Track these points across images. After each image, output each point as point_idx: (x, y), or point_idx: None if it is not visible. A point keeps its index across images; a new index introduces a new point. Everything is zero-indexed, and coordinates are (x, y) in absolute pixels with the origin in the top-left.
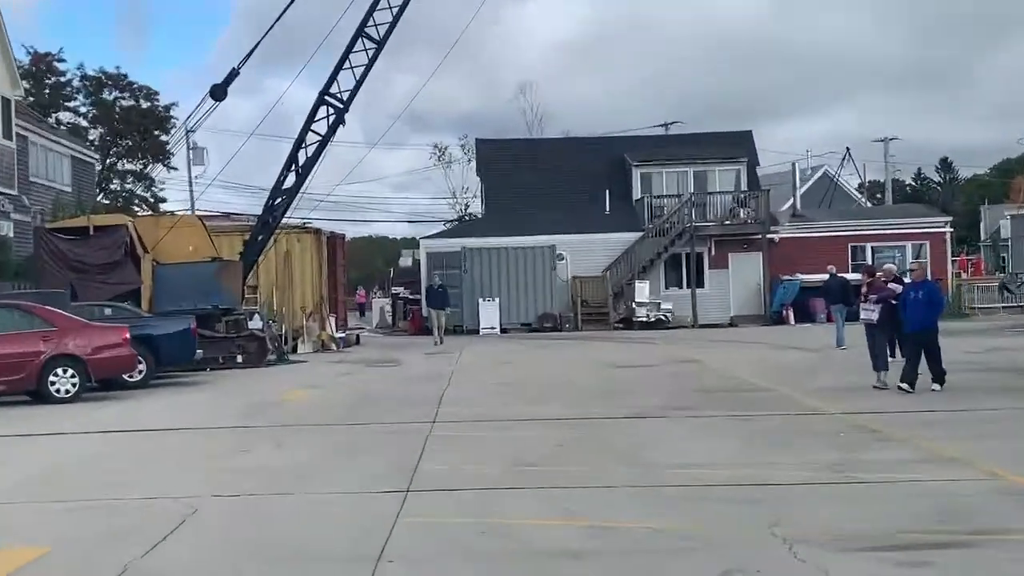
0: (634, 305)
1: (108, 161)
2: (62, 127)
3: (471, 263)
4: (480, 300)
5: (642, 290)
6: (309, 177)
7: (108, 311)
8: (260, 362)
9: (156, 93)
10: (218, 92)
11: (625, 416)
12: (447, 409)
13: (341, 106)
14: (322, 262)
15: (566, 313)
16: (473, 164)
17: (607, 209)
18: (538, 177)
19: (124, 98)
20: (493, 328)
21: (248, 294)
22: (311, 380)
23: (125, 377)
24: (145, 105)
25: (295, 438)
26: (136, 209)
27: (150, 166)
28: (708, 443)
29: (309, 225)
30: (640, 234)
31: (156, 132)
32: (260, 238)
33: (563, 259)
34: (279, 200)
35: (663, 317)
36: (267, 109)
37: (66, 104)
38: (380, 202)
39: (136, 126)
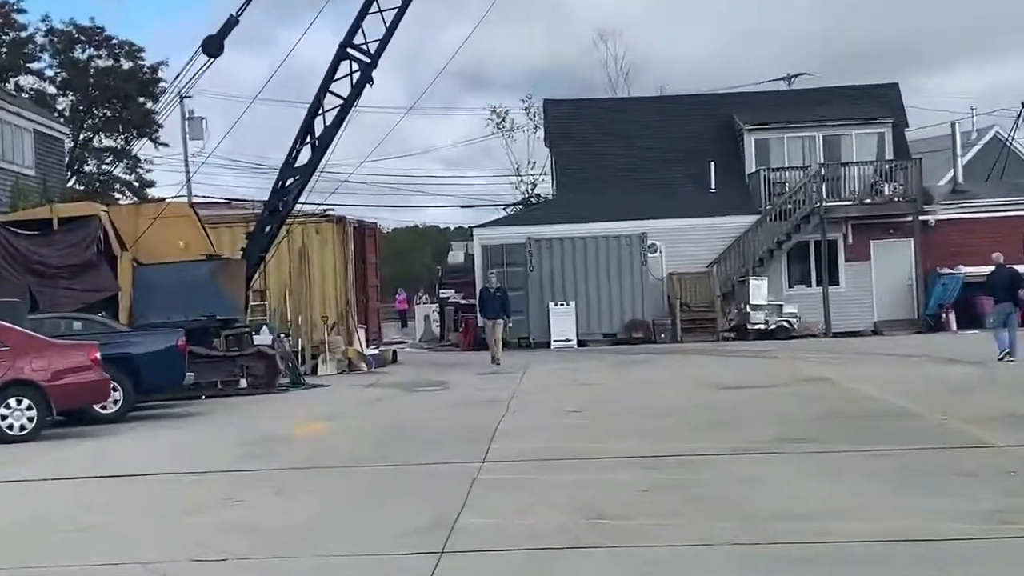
0: (748, 309)
1: (81, 136)
2: (23, 94)
3: (539, 258)
4: (551, 305)
5: (758, 289)
6: (328, 151)
7: (77, 324)
8: (270, 387)
9: (140, 50)
10: (212, 46)
11: (727, 452)
12: (501, 445)
13: (367, 61)
14: (347, 259)
15: (661, 320)
16: (541, 132)
17: (712, 186)
18: (624, 147)
19: (100, 57)
20: (568, 340)
21: (254, 301)
22: (332, 409)
23: (97, 408)
24: (127, 65)
25: (304, 484)
26: (117, 196)
27: (133, 141)
28: (834, 487)
29: (330, 212)
30: (755, 217)
31: (141, 99)
32: (268, 229)
33: (656, 251)
34: (291, 181)
35: (786, 324)
36: (281, 66)
37: (28, 66)
38: (427, 182)
39: (116, 92)
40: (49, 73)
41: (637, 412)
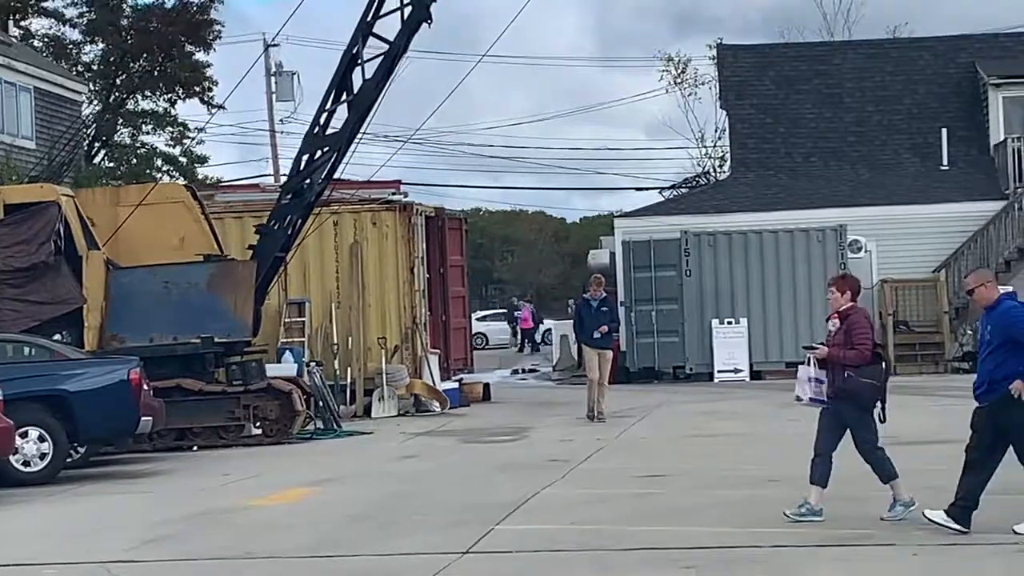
0: None
1: (113, 98)
2: (33, 42)
3: (697, 258)
4: (714, 323)
5: None
6: (370, 114)
7: (29, 350)
8: (283, 434)
9: None
10: None
11: (817, 543)
12: (510, 527)
13: None
14: (414, 260)
15: None
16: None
17: (943, 161)
18: (824, 109)
19: None
20: (737, 371)
21: (289, 317)
22: (339, 468)
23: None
24: (171, 3)
25: None
26: (159, 175)
27: (178, 102)
28: None
29: (395, 196)
30: (1001, 204)
31: (189, 46)
32: (288, 220)
33: (861, 249)
34: (319, 154)
35: None
36: None
37: (42, 5)
38: (608, 157)
39: (158, 38)
40: (70, 14)
41: (743, 479)
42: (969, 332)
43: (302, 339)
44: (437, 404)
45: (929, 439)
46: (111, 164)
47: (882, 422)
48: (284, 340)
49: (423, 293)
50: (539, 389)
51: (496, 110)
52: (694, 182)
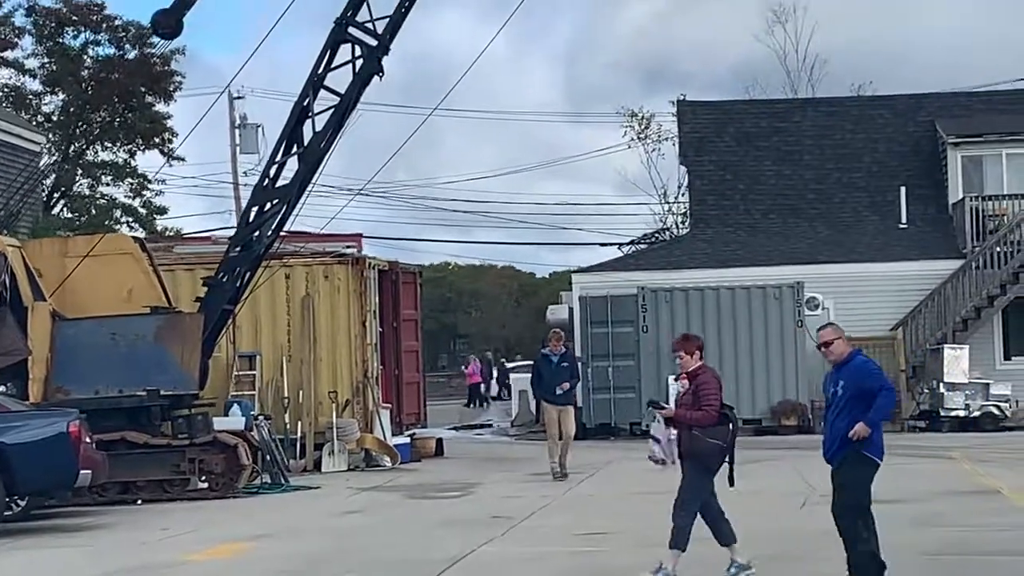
0: (942, 388)
1: (72, 148)
2: None
3: (654, 315)
4: (670, 380)
5: (956, 362)
6: (320, 166)
7: None
8: (228, 488)
9: (151, 35)
10: (165, 22)
11: None
12: None
13: (374, 43)
14: (367, 314)
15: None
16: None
17: (902, 219)
18: (783, 166)
19: (99, 43)
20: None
21: (241, 370)
22: (285, 522)
23: None
24: (132, 54)
25: None
26: (119, 228)
27: (138, 153)
28: None
29: (349, 249)
30: (959, 263)
31: (149, 97)
32: (237, 272)
33: (819, 307)
34: (270, 205)
35: (994, 409)
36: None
37: (2, 55)
38: (573, 211)
39: (118, 89)
40: (31, 64)
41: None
42: (927, 391)
43: (252, 392)
44: (388, 459)
45: (878, 499)
46: (70, 215)
47: (731, 486)
48: (234, 393)
49: (375, 347)
50: (495, 444)
51: (465, 164)
52: (653, 238)
